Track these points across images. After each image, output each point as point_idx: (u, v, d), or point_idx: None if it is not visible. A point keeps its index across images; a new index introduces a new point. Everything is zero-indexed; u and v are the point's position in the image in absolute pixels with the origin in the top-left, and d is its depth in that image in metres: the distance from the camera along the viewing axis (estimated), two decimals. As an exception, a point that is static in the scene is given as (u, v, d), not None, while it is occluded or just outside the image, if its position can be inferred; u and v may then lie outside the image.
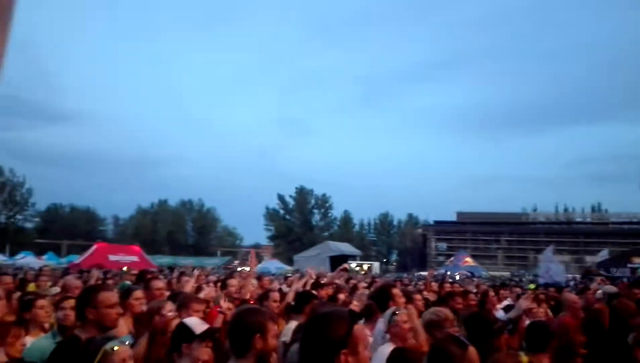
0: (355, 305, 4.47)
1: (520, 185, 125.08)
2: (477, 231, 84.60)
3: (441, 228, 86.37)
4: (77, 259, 26.02)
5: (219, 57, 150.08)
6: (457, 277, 26.52)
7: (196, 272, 6.52)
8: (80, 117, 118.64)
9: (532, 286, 15.31)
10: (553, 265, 20.17)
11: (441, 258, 70.98)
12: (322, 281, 7.59)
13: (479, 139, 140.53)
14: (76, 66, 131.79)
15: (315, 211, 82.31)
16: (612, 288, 7.25)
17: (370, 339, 3.49)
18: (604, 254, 33.04)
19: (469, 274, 29.73)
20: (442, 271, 29.82)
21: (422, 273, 36.84)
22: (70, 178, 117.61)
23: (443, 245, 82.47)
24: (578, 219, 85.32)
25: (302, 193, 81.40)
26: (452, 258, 39.04)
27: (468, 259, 35.51)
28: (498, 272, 50.53)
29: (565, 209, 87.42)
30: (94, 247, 25.68)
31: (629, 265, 22.39)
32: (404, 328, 3.52)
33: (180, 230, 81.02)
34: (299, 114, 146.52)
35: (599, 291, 7.51)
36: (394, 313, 3.60)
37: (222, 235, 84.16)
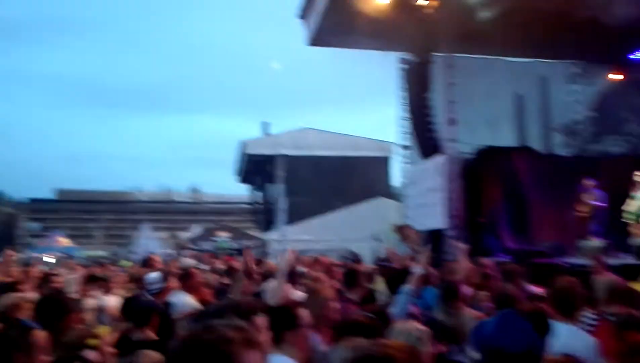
0: None
1: (127, 164, 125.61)
2: (78, 209, 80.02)
3: (37, 206, 77.67)
4: None
5: None
6: (53, 260, 24.42)
7: None
8: None
9: (126, 263, 15.59)
10: (150, 241, 21.28)
11: (34, 240, 63.67)
12: None
13: (85, 115, 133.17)
14: None
15: None
16: (189, 261, 8.13)
17: None
18: (196, 231, 36.87)
19: (64, 255, 27.71)
20: (32, 254, 26.75)
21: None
22: None
23: (38, 225, 74.26)
24: (178, 199, 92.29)
25: None
26: (44, 239, 35.51)
27: (63, 239, 33.07)
28: (96, 252, 49.17)
29: (168, 190, 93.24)
30: None
31: (212, 239, 25.87)
32: None
33: None
34: None
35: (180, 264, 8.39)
36: None
37: None
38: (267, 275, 5.48)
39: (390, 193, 23.33)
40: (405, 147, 13.71)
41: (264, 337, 2.21)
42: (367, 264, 10.20)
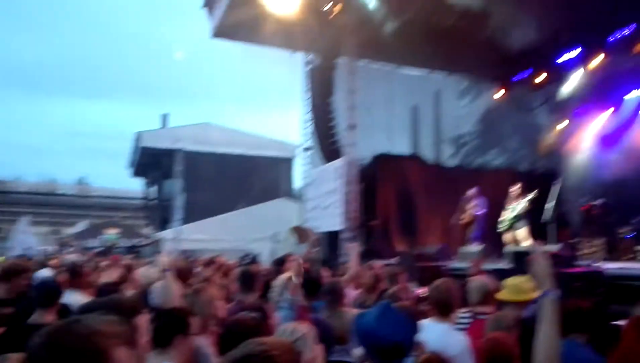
0: None
1: (6, 151, 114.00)
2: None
3: None
4: None
5: None
6: None
7: None
8: None
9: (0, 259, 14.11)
10: (27, 236, 19.43)
11: None
12: None
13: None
14: None
15: None
16: (73, 259, 7.55)
17: None
18: (82, 226, 34.37)
19: None
20: None
21: None
22: None
23: None
24: (62, 191, 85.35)
25: None
26: None
27: None
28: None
29: (52, 180, 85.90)
30: None
31: (100, 236, 24.28)
32: None
33: None
34: None
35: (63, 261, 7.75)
36: None
37: None
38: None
39: (291, 194, 23.53)
40: (307, 149, 13.91)
41: (144, 337, 2.10)
42: (266, 265, 10.18)
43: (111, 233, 25.05)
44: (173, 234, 18.06)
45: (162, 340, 2.40)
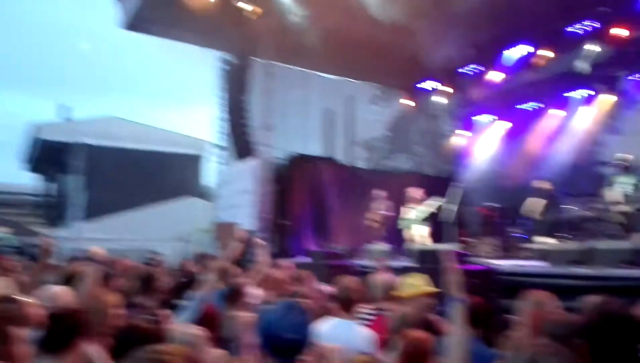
0: None
1: None
2: None
3: None
4: None
5: None
6: None
7: None
8: None
9: None
10: None
11: None
12: None
13: None
14: None
15: None
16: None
17: None
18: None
19: None
20: None
21: None
22: None
23: None
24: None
25: None
26: None
27: None
28: None
29: None
30: None
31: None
32: None
33: None
34: None
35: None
36: None
37: None
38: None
39: (201, 193, 22.91)
40: (221, 147, 13.64)
41: (22, 346, 1.94)
42: (171, 266, 9.79)
43: (0, 231, 22.86)
44: (71, 233, 16.90)
45: (54, 344, 2.26)
